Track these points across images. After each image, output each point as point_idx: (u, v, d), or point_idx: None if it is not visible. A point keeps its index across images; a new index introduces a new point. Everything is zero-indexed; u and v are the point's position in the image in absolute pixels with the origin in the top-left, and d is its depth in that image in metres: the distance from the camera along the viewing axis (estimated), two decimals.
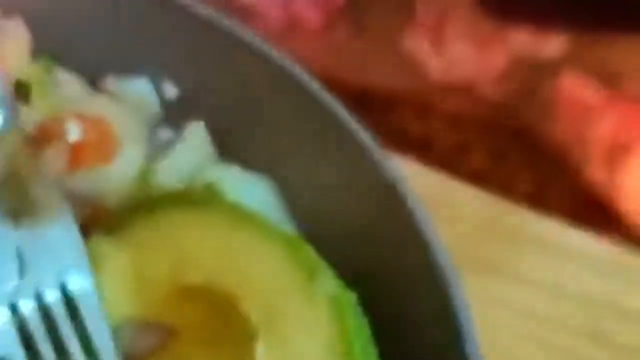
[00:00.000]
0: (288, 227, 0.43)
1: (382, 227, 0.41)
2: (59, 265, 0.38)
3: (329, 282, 0.38)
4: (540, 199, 0.61)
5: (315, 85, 0.43)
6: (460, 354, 0.36)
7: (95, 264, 0.39)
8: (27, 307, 0.37)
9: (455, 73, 0.64)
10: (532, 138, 0.64)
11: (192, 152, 0.45)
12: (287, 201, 0.44)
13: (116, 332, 0.39)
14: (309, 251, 0.39)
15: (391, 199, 0.41)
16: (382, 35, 0.64)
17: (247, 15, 0.63)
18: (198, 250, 0.39)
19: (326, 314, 0.37)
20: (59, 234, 0.38)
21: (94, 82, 0.46)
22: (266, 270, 0.38)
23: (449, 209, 0.51)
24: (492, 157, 0.64)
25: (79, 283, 0.38)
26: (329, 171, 0.43)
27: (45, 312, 0.37)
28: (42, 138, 0.43)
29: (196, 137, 0.45)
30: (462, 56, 0.63)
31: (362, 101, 0.47)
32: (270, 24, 0.63)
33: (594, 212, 0.60)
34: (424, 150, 0.63)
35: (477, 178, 0.61)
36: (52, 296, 0.37)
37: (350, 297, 0.38)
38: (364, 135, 0.42)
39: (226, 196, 0.42)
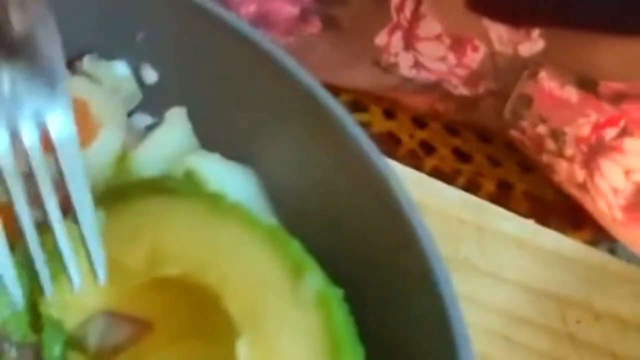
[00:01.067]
0: (270, 219, 0.41)
1: (370, 222, 0.39)
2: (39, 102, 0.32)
3: (315, 279, 0.36)
4: (505, 198, 0.61)
5: (303, 73, 0.40)
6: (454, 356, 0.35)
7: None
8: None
9: (425, 71, 0.63)
10: (500, 137, 0.63)
11: (172, 139, 0.43)
12: (270, 192, 0.42)
13: (89, 324, 0.37)
14: (295, 246, 0.37)
15: (380, 194, 0.39)
16: (354, 32, 0.63)
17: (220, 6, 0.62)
18: (176, 241, 0.37)
19: (312, 312, 0.35)
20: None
21: (70, 63, 0.44)
22: (249, 265, 0.36)
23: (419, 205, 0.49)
24: (458, 156, 0.63)
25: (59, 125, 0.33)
26: (314, 162, 0.41)
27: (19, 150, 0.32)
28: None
29: (176, 123, 0.43)
30: (434, 55, 0.62)
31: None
32: (244, 15, 0.62)
33: (563, 212, 0.59)
34: (390, 147, 0.63)
35: (444, 176, 0.60)
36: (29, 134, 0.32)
37: (337, 294, 0.36)
38: (354, 127, 0.40)
39: (207, 185, 0.40)
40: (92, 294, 0.37)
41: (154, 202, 0.38)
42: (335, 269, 0.37)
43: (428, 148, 0.63)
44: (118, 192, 0.39)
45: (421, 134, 0.64)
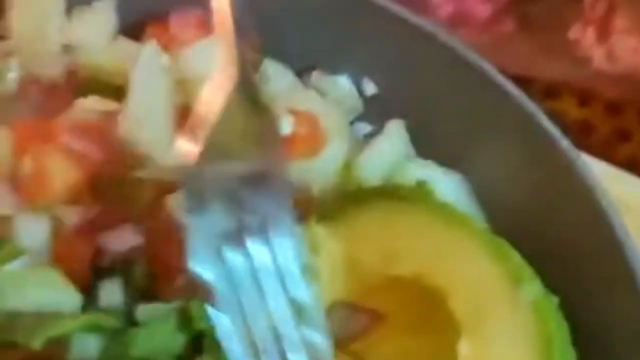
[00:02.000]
0: (479, 221, 0.44)
1: (575, 228, 0.42)
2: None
3: (533, 288, 0.38)
4: None
5: (510, 86, 0.44)
6: None
7: (312, 248, 0.41)
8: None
9: (619, 63, 0.64)
10: None
11: (391, 148, 0.46)
12: (478, 195, 0.45)
13: (327, 313, 0.40)
14: (516, 257, 0.40)
15: (585, 199, 0.41)
16: (547, 27, 0.64)
17: (417, 6, 0.64)
18: (409, 244, 0.41)
19: (529, 320, 0.38)
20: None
21: (300, 76, 0.48)
22: (475, 272, 0.39)
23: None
24: None
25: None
26: (522, 171, 0.44)
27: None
28: None
29: (395, 133, 0.47)
30: (627, 46, 0.63)
31: (524, 87, 0.48)
32: (440, 15, 0.64)
33: None
34: (583, 135, 0.64)
35: (636, 164, 0.61)
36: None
37: (552, 302, 0.39)
38: (557, 135, 0.43)
39: (436, 195, 0.43)
40: (332, 286, 0.41)
41: (386, 207, 0.42)
42: (540, 271, 0.40)
43: (623, 135, 0.63)
44: (353, 197, 0.43)
45: (616, 121, 0.64)
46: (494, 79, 0.45)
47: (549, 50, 0.65)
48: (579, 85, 0.65)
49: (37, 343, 0.37)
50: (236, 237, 0.36)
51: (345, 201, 0.43)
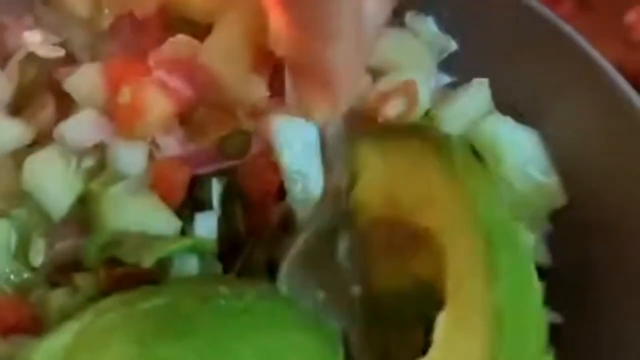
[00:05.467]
0: (552, 178, 0.48)
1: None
2: None
3: (490, 213, 0.38)
4: None
5: (586, 46, 0.47)
6: None
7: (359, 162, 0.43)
8: None
9: None
10: None
11: (473, 105, 0.49)
12: (553, 153, 0.48)
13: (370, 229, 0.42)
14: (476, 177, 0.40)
15: None
16: (605, 10, 0.67)
17: None
18: (404, 183, 0.42)
19: (480, 244, 0.38)
20: None
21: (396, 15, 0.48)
22: (446, 207, 0.40)
23: None
24: None
25: None
26: (593, 126, 0.47)
27: None
28: None
29: (479, 92, 0.49)
30: None
31: None
32: None
33: None
34: None
35: None
36: None
37: (514, 231, 0.39)
38: (633, 95, 0.45)
39: (440, 127, 0.45)
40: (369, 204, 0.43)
41: (389, 145, 0.43)
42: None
43: None
44: (395, 130, 0.45)
45: None
46: (573, 39, 0.47)
47: (604, 33, 0.67)
48: (630, 69, 0.68)
49: (148, 262, 0.40)
50: None
51: (388, 132, 0.44)
